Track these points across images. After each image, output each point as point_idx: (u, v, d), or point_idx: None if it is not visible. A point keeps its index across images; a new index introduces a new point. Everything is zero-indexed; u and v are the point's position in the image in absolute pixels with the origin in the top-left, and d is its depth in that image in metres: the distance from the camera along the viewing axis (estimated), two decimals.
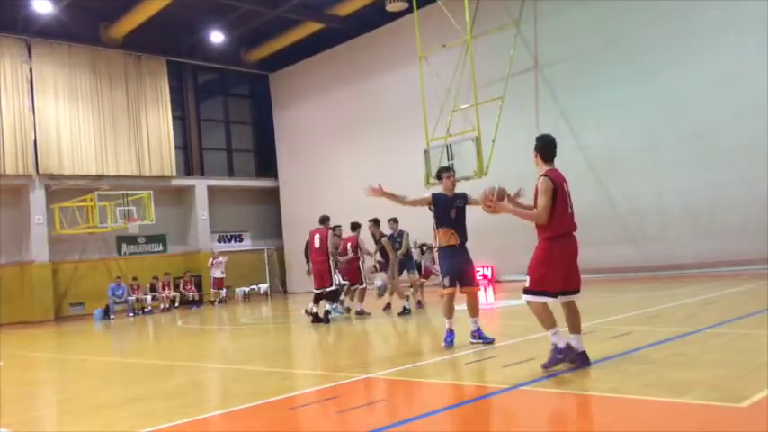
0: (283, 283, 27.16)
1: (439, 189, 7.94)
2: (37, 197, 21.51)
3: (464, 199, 7.68)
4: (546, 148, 5.88)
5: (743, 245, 14.88)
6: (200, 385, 7.32)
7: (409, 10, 20.36)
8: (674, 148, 16.31)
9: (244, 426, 5.12)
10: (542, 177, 5.69)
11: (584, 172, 17.66)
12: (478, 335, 7.57)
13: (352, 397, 5.84)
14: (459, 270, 7.60)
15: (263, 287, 25.37)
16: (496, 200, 5.80)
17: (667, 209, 16.51)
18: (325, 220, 12.46)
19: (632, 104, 17.16)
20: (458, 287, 7.65)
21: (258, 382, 6.78)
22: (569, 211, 5.75)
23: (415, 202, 7.71)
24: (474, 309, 7.55)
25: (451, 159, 17.50)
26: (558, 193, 5.64)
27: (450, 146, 17.77)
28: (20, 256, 21.57)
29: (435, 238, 7.74)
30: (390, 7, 20.91)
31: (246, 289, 24.46)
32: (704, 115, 15.85)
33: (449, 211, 7.58)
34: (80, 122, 22.41)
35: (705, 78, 15.91)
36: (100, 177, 22.45)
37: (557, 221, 5.64)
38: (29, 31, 21.64)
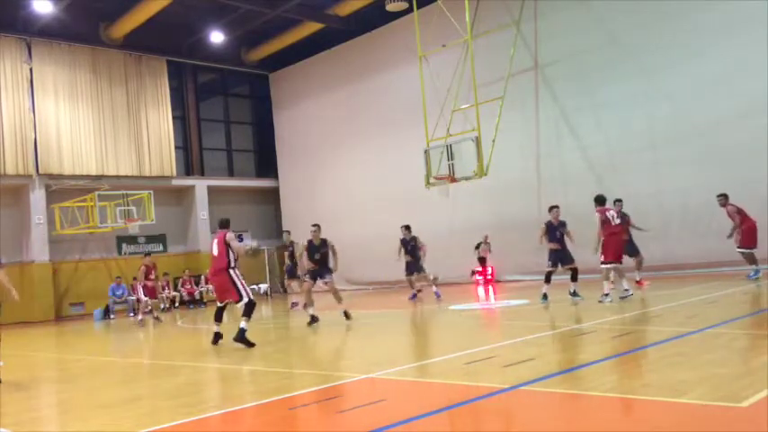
0: (283, 282, 27.10)
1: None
2: (37, 197, 21.48)
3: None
4: None
5: None
6: (201, 385, 7.31)
7: (409, 10, 20.34)
8: (674, 148, 16.30)
9: (244, 426, 5.12)
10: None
11: (585, 172, 17.66)
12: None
13: (352, 397, 5.84)
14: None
15: (264, 287, 25.34)
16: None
17: (667, 208, 16.48)
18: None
19: (632, 104, 17.13)
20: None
21: (258, 382, 6.78)
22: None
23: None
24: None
25: (451, 159, 17.48)
26: None
27: (450, 146, 17.75)
28: (20, 257, 21.53)
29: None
30: (390, 7, 20.88)
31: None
32: (704, 115, 15.84)
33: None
34: (80, 122, 22.39)
35: (705, 78, 15.90)
36: (100, 177, 22.42)
37: None
38: (29, 31, 21.62)
